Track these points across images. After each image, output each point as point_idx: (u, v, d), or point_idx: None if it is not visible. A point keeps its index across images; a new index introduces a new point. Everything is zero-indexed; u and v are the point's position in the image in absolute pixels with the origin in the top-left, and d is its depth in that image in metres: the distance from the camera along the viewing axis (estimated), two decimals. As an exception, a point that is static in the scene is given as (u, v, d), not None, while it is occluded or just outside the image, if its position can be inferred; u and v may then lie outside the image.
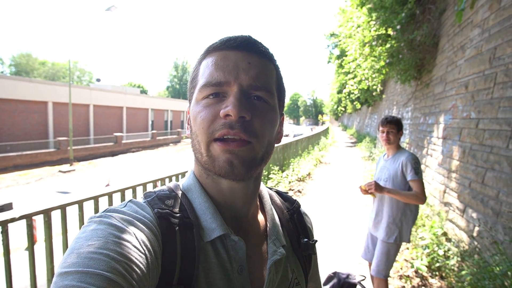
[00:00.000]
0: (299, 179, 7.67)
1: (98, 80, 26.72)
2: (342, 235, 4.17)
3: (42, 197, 9.07)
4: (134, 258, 0.37)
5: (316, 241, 0.64)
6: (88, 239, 0.37)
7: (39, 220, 1.82)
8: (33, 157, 15.90)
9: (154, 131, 27.30)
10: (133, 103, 27.74)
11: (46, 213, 1.82)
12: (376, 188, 2.15)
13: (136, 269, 0.37)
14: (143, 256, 0.39)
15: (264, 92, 0.49)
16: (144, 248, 0.40)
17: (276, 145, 0.56)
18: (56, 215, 1.89)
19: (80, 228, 2.07)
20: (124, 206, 0.46)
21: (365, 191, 2.25)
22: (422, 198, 2.09)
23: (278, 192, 0.70)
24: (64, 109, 19.70)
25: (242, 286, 0.49)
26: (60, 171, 14.23)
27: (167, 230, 0.46)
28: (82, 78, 56.20)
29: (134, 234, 0.40)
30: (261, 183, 0.60)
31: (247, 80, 0.48)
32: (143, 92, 51.93)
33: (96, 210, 2.17)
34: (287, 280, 0.56)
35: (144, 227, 0.42)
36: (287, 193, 0.72)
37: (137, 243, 0.39)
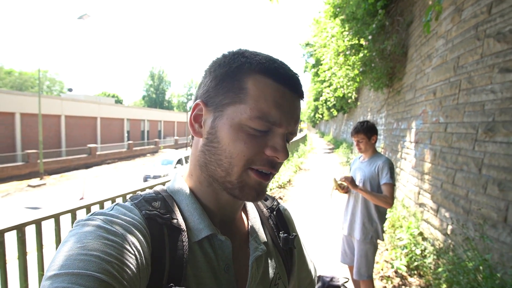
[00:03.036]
0: (280, 186, 7.72)
1: (70, 90, 25.76)
2: (324, 239, 4.23)
3: (9, 214, 8.50)
4: (124, 259, 0.38)
5: (296, 234, 0.66)
6: (77, 241, 0.37)
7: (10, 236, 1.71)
8: (-2, 171, 14.92)
9: (130, 142, 26.50)
10: (108, 113, 26.87)
11: (20, 228, 1.72)
12: (351, 183, 2.24)
13: (127, 269, 0.37)
14: (133, 257, 0.39)
15: (294, 136, 0.54)
16: (134, 248, 0.40)
17: None
18: (30, 230, 1.80)
19: (57, 243, 1.97)
20: (111, 210, 0.46)
21: (340, 188, 2.38)
22: (390, 202, 2.17)
23: None
24: (33, 120, 18.71)
25: (228, 284, 0.51)
26: (29, 185, 13.44)
27: (156, 231, 0.46)
28: (53, 88, 53.91)
29: (123, 235, 0.40)
30: None
31: (293, 129, 0.51)
32: (118, 101, 50.54)
33: (74, 224, 2.08)
34: (269, 275, 0.58)
35: (133, 228, 0.43)
36: None
37: (126, 243, 0.40)
